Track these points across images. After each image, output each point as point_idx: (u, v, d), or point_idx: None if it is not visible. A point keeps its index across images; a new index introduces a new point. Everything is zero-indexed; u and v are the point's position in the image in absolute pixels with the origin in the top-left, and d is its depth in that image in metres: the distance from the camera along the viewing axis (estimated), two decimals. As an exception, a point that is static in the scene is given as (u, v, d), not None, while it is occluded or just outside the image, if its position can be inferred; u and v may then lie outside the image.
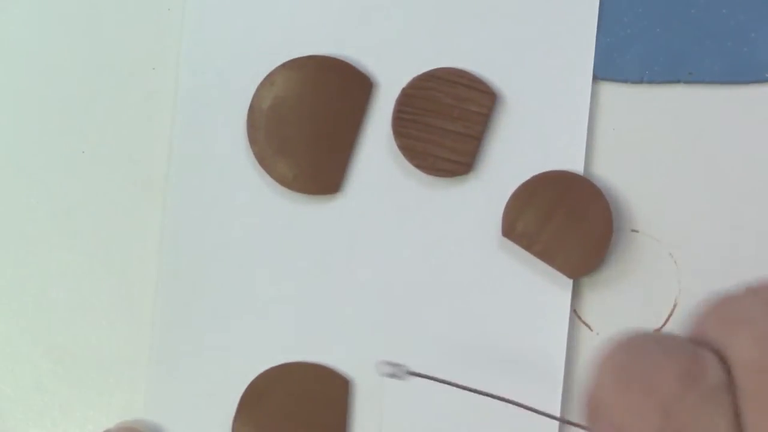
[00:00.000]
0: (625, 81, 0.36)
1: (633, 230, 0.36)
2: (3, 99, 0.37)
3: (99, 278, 0.36)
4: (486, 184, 0.36)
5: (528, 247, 0.35)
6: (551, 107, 0.36)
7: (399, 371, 0.32)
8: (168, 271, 0.36)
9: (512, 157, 0.35)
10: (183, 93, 0.36)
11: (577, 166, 0.35)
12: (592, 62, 0.36)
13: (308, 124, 0.36)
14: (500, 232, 0.35)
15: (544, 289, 0.35)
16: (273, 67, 0.36)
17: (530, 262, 0.35)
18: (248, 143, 0.36)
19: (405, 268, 0.35)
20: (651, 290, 0.35)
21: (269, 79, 0.36)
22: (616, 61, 0.36)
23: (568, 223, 0.35)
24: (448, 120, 0.35)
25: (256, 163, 0.36)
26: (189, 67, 0.36)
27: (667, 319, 0.35)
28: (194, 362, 0.35)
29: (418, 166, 0.35)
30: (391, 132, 0.36)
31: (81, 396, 0.36)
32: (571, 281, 0.35)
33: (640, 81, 0.36)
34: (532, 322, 0.35)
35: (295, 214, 0.36)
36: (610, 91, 0.36)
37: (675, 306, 0.35)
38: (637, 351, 0.28)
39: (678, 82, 0.36)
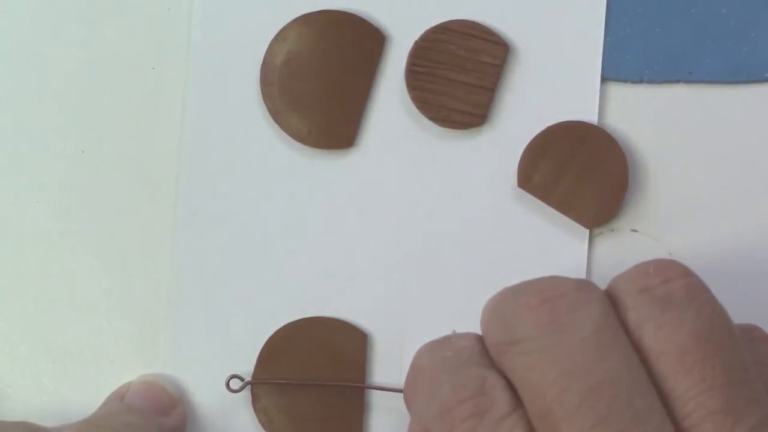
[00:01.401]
0: (625, 81, 0.36)
1: (633, 230, 0.36)
2: (3, 99, 0.37)
3: (99, 278, 0.36)
4: (500, 135, 0.36)
5: (544, 197, 0.35)
6: (564, 57, 0.36)
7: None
8: (183, 228, 0.36)
9: (526, 108, 0.36)
10: (195, 50, 0.36)
11: (591, 116, 0.35)
12: (605, 9, 0.36)
13: (321, 78, 0.36)
14: (516, 184, 0.35)
15: (561, 239, 0.35)
16: (285, 23, 0.36)
17: (546, 213, 0.35)
18: (261, 99, 0.36)
19: (421, 221, 0.36)
20: (651, 290, 0.35)
21: (282, 35, 0.36)
22: (615, 61, 0.36)
23: (584, 172, 0.35)
24: (461, 72, 0.35)
25: (270, 118, 0.36)
26: (201, 25, 0.36)
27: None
28: (211, 320, 0.36)
29: (432, 118, 0.36)
30: (404, 85, 0.36)
31: (81, 396, 0.36)
32: (587, 231, 0.35)
33: (640, 81, 0.36)
34: (549, 273, 0.35)
35: (310, 169, 0.36)
36: (610, 90, 0.36)
37: (675, 306, 0.35)
38: (429, 387, 0.29)
39: (678, 82, 0.36)
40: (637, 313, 0.28)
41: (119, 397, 0.35)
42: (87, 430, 0.32)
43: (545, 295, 0.28)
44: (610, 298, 0.28)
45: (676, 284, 0.28)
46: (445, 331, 0.35)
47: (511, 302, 0.28)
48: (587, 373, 0.26)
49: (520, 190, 0.35)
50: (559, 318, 0.27)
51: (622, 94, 0.36)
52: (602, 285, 0.35)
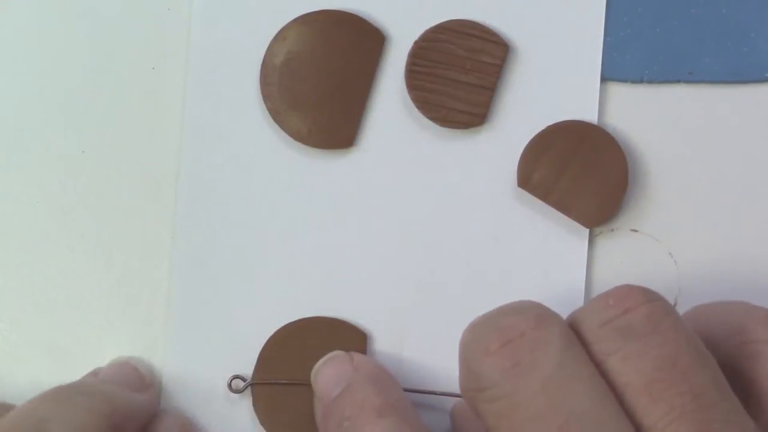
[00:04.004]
0: (624, 81, 0.36)
1: (633, 230, 0.36)
2: (3, 99, 0.37)
3: (99, 278, 0.36)
4: (500, 135, 0.36)
5: (544, 197, 0.35)
6: (564, 57, 0.36)
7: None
8: (183, 228, 0.36)
9: (526, 108, 0.36)
10: (195, 50, 0.36)
11: (590, 116, 0.35)
12: (605, 9, 0.36)
13: (321, 78, 0.36)
14: (516, 183, 0.35)
15: (561, 239, 0.35)
16: (285, 23, 0.36)
17: (546, 212, 0.35)
18: (261, 99, 0.36)
19: (421, 221, 0.36)
20: (651, 290, 0.35)
21: (281, 35, 0.36)
22: (615, 61, 0.36)
23: (584, 172, 0.35)
24: (461, 72, 0.35)
25: (270, 118, 0.36)
26: (201, 25, 0.36)
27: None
28: (212, 320, 0.36)
29: (432, 118, 0.36)
30: (404, 85, 0.36)
31: (81, 396, 0.36)
32: (587, 231, 0.35)
33: (639, 81, 0.36)
34: (549, 272, 0.35)
35: (310, 169, 0.36)
36: (610, 90, 0.36)
37: (675, 306, 0.35)
38: None
39: (678, 81, 0.36)
40: (601, 347, 0.28)
41: (93, 375, 0.35)
42: (63, 394, 0.32)
43: (504, 337, 0.28)
44: (573, 330, 0.28)
45: (637, 313, 0.28)
46: (445, 331, 0.35)
47: (473, 347, 0.28)
48: (552, 413, 0.26)
49: (520, 190, 0.35)
50: (520, 360, 0.27)
51: (622, 94, 0.36)
52: (603, 285, 0.35)
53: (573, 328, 0.29)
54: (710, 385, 0.27)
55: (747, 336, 0.29)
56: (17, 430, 0.30)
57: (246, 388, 0.35)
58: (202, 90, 0.36)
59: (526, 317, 0.28)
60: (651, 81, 0.36)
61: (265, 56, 0.36)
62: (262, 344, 0.35)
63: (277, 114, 0.36)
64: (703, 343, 0.29)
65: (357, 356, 0.34)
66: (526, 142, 0.35)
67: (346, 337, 0.35)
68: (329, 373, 0.33)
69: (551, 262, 0.35)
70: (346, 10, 0.36)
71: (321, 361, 0.34)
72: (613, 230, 0.36)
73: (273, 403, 0.35)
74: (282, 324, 0.36)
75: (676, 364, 0.27)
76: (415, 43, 0.36)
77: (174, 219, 0.36)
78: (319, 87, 0.36)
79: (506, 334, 0.28)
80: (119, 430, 0.32)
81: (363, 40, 0.36)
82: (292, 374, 0.35)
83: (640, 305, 0.28)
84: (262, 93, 0.36)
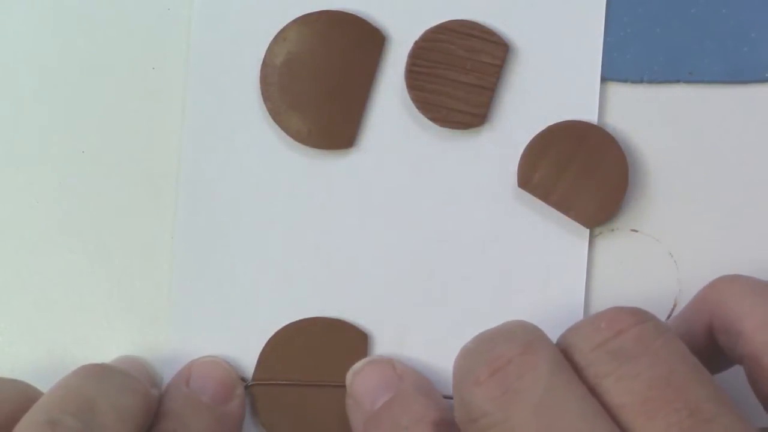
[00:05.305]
0: (624, 81, 0.36)
1: (633, 230, 0.36)
2: (2, 99, 0.37)
3: (99, 278, 0.36)
4: (500, 135, 0.36)
5: (544, 197, 0.35)
6: (564, 57, 0.36)
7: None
8: (183, 228, 0.36)
9: (526, 108, 0.36)
10: (195, 50, 0.36)
11: (591, 116, 0.35)
12: (604, 9, 0.36)
13: (321, 78, 0.36)
14: (516, 184, 0.35)
15: (561, 239, 0.35)
16: (285, 23, 0.36)
17: (546, 212, 0.35)
18: (261, 99, 0.36)
19: (421, 221, 0.36)
20: (651, 290, 0.35)
21: (282, 35, 0.36)
22: (615, 61, 0.36)
23: (584, 172, 0.35)
24: (461, 72, 0.35)
25: (270, 119, 0.36)
26: (201, 25, 0.36)
27: (667, 319, 0.35)
28: (212, 320, 0.36)
29: (432, 118, 0.36)
30: (404, 85, 0.36)
31: (81, 396, 0.36)
32: (588, 231, 0.35)
33: (640, 81, 0.36)
34: (549, 272, 0.35)
35: (310, 169, 0.36)
36: (610, 91, 0.36)
37: (675, 306, 0.35)
38: None
39: (678, 82, 0.36)
40: (594, 371, 0.28)
41: None
42: (105, 374, 0.32)
43: (493, 366, 0.28)
44: (565, 354, 0.28)
45: (628, 335, 0.28)
46: (445, 332, 0.35)
47: (464, 379, 0.29)
48: None
49: (520, 190, 0.35)
50: (509, 387, 0.27)
51: (622, 94, 0.36)
52: (603, 286, 0.35)
53: (564, 351, 0.29)
54: (707, 400, 0.27)
55: None
56: (66, 406, 0.30)
57: (246, 388, 0.35)
58: (202, 90, 0.36)
59: (514, 344, 0.28)
60: (651, 81, 0.36)
61: (265, 57, 0.36)
62: (263, 345, 0.35)
63: (277, 114, 0.36)
64: (732, 334, 0.29)
65: (398, 363, 0.34)
66: (526, 142, 0.35)
67: (347, 337, 0.35)
68: (371, 378, 0.33)
69: (551, 262, 0.35)
70: (346, 11, 0.36)
71: (359, 365, 0.34)
72: (613, 230, 0.36)
73: (273, 403, 0.35)
74: (282, 324, 0.36)
75: (670, 381, 0.27)
76: (415, 43, 0.36)
77: (174, 219, 0.36)
78: (319, 87, 0.36)
79: (494, 363, 0.28)
80: (151, 414, 0.32)
81: (363, 40, 0.36)
82: (292, 375, 0.35)
83: (632, 326, 0.28)
84: (262, 93, 0.36)
